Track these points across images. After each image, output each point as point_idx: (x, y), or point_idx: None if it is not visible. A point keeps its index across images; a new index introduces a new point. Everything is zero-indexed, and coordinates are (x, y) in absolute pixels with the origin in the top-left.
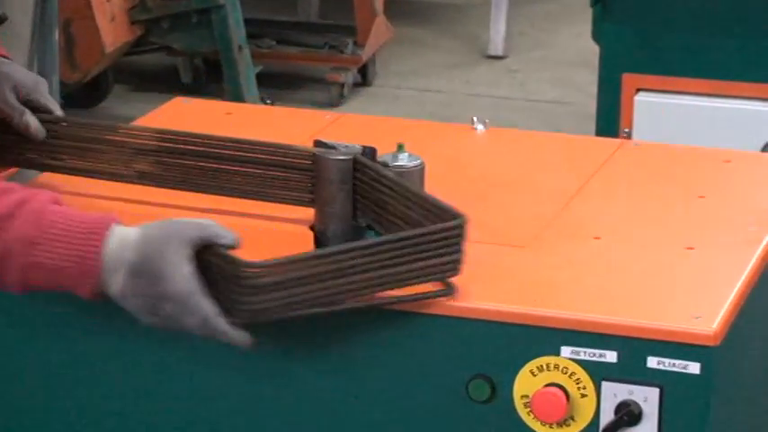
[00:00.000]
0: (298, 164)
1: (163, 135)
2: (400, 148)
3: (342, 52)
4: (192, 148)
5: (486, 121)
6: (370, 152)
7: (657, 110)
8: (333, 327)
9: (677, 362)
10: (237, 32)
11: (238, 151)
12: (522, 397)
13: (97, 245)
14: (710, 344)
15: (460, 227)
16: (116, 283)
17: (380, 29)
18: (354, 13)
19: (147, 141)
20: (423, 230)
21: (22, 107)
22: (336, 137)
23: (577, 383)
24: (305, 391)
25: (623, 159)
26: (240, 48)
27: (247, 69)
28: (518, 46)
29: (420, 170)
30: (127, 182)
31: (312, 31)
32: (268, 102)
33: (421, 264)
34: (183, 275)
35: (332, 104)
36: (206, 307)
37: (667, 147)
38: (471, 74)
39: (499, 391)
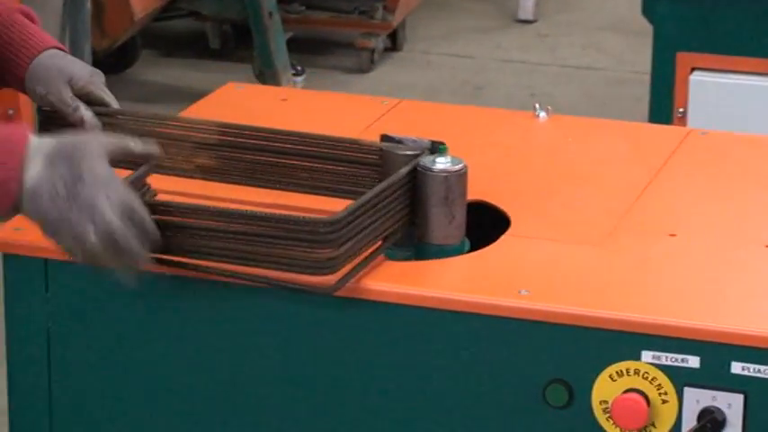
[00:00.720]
0: (364, 158)
1: (225, 129)
2: (441, 150)
3: (372, 17)
4: (255, 142)
5: (549, 108)
6: (438, 147)
7: (713, 90)
8: (404, 326)
9: (763, 367)
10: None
11: (303, 145)
12: (601, 402)
13: (18, 145)
14: None
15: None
16: (33, 171)
17: None
18: None
19: (208, 135)
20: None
21: (76, 102)
22: (396, 125)
23: (658, 389)
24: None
25: (691, 150)
26: (270, 14)
27: (277, 35)
28: (547, 9)
29: (462, 173)
30: (188, 176)
31: None
32: (299, 68)
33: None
34: (104, 165)
35: (362, 70)
36: (129, 191)
37: (736, 136)
38: (501, 38)
39: (577, 396)
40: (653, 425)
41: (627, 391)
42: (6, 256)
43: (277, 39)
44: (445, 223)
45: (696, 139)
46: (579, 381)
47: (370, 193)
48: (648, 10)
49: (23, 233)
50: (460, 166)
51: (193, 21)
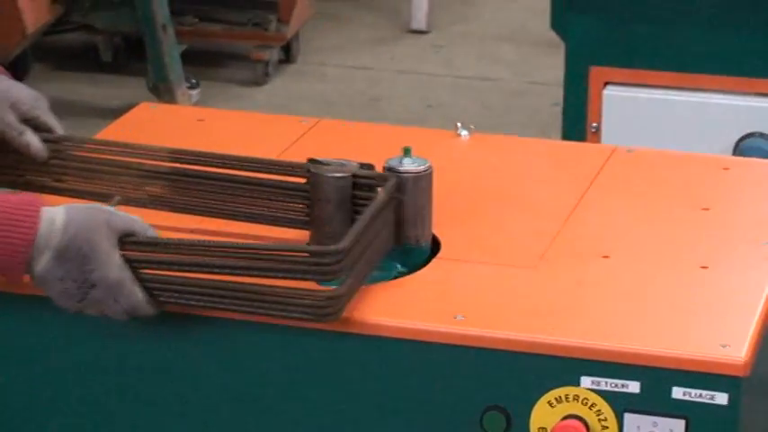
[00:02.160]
0: (293, 183)
1: (176, 155)
2: (407, 152)
3: (266, 29)
4: (204, 169)
5: (472, 126)
6: (367, 168)
7: (627, 104)
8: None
9: (704, 392)
10: (161, 11)
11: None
12: (540, 429)
13: (31, 223)
14: (740, 374)
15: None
16: (39, 265)
17: (303, 5)
18: None
19: (159, 162)
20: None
21: (21, 126)
22: (317, 145)
23: (598, 415)
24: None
25: (618, 167)
26: (164, 27)
27: (171, 48)
28: (440, 20)
29: (429, 175)
30: (138, 206)
31: (235, 8)
32: (193, 81)
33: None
34: (116, 263)
35: (257, 83)
36: (138, 293)
37: (662, 153)
38: (395, 49)
39: (516, 423)
40: None
41: (566, 417)
42: None
43: (171, 52)
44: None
45: (622, 156)
46: (517, 407)
47: (362, 221)
48: (558, 24)
49: None
50: (426, 166)
51: (84, 34)
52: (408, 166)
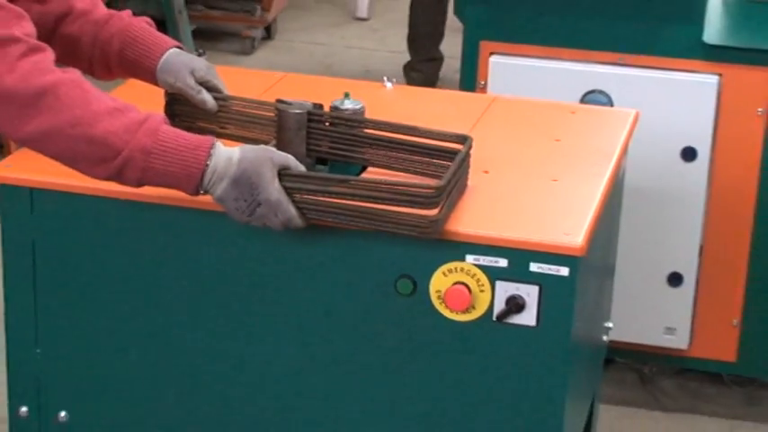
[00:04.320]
0: (267, 117)
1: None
2: (346, 95)
3: (252, 15)
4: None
5: (394, 80)
6: (318, 107)
7: (505, 68)
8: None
9: (552, 267)
10: (178, 0)
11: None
12: (437, 292)
13: (201, 157)
14: (577, 255)
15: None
16: (220, 189)
17: None
18: None
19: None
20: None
21: (198, 86)
22: (285, 92)
23: (478, 282)
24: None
25: (497, 110)
26: (180, 11)
27: (185, 27)
28: (378, 10)
29: (361, 111)
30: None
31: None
32: (200, 51)
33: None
34: (276, 188)
35: (245, 53)
36: (292, 210)
37: (528, 100)
38: (345, 32)
39: (420, 287)
40: (473, 307)
41: (455, 283)
42: (1, 186)
43: (185, 30)
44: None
45: (500, 103)
46: (421, 276)
47: (453, 167)
48: (459, 11)
49: (13, 169)
50: (360, 106)
51: None
52: (347, 105)
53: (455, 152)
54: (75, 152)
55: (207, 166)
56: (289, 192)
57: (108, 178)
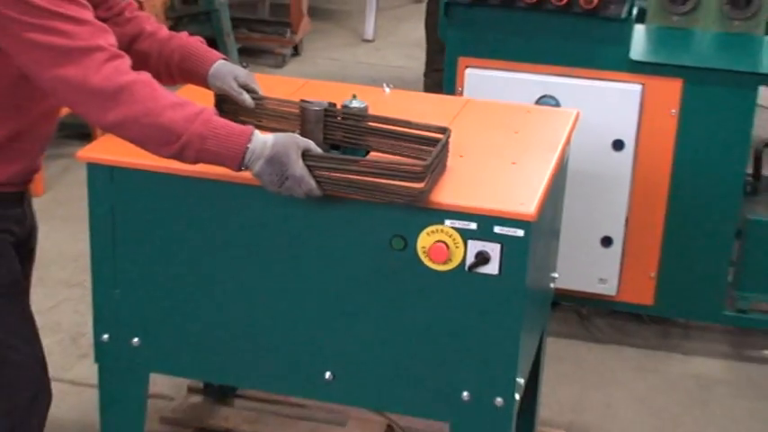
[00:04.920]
0: (293, 113)
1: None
2: (354, 97)
3: (284, 36)
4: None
5: (392, 85)
6: (333, 106)
7: (477, 78)
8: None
9: (510, 229)
10: (226, 25)
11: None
12: (423, 248)
13: (243, 142)
14: (530, 220)
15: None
16: (258, 166)
17: (305, 24)
18: (291, 14)
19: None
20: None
21: (240, 89)
22: (308, 94)
23: (454, 241)
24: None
25: (470, 110)
26: (228, 34)
27: (232, 46)
28: (381, 34)
29: (365, 109)
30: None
31: (267, 24)
32: (244, 65)
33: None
34: (300, 166)
35: (278, 66)
36: (312, 183)
37: (495, 102)
38: (355, 50)
39: (409, 244)
40: (450, 260)
41: (436, 241)
42: (89, 164)
43: (232, 48)
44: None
45: (473, 104)
46: (410, 235)
47: (435, 151)
48: (443, 35)
49: (97, 152)
50: (364, 105)
51: None
52: (355, 104)
53: (437, 140)
54: (146, 136)
55: (248, 148)
56: (310, 169)
57: (170, 157)
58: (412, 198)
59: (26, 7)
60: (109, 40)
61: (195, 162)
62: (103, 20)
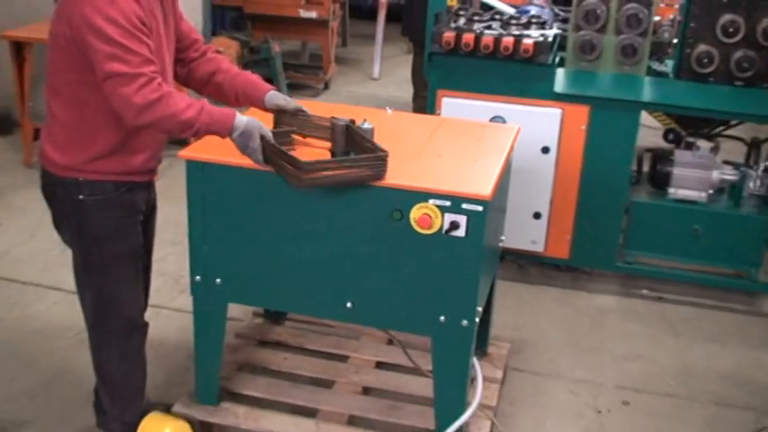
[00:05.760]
0: (326, 125)
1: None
2: (364, 121)
3: (318, 75)
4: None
5: (393, 108)
6: (352, 122)
7: (451, 104)
8: (339, 194)
9: (473, 206)
10: (279, 67)
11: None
12: (414, 218)
13: (230, 121)
14: (487, 199)
15: (382, 157)
16: (236, 134)
17: (333, 68)
18: (323, 61)
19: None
20: (369, 155)
21: (290, 100)
22: (335, 113)
23: (435, 213)
24: (324, 216)
25: (445, 126)
26: (280, 73)
27: (283, 81)
28: (383, 74)
29: (371, 130)
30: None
31: (307, 68)
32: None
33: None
34: (257, 143)
35: (314, 96)
36: (260, 156)
37: (462, 120)
38: (366, 86)
39: (405, 216)
40: (432, 227)
41: (423, 214)
42: (188, 161)
43: (282, 83)
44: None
45: (448, 122)
46: (406, 209)
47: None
48: (426, 74)
49: (193, 152)
50: (371, 126)
51: None
52: (364, 125)
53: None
54: (172, 128)
55: (233, 125)
56: (263, 146)
57: (187, 137)
58: (296, 182)
59: (105, 38)
60: (149, 66)
61: (202, 136)
62: (193, 59)
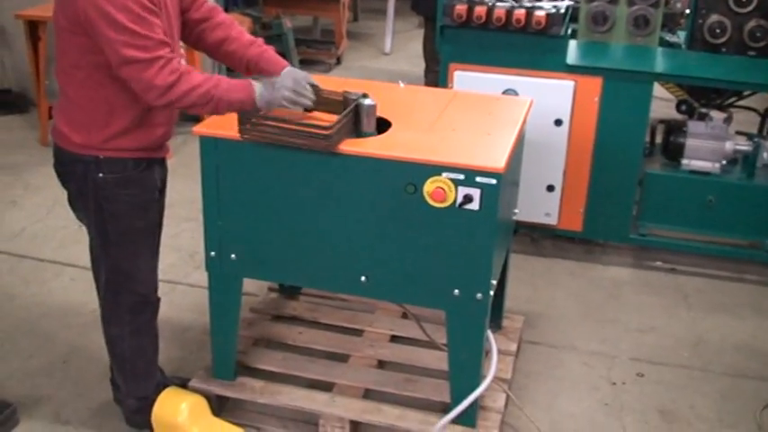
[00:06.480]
0: (338, 100)
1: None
2: (365, 95)
3: (330, 51)
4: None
5: (405, 82)
6: (365, 96)
7: (462, 78)
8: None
9: (487, 179)
10: (292, 43)
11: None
12: (428, 192)
13: (249, 82)
14: (500, 172)
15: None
16: (262, 101)
17: (344, 43)
18: (335, 36)
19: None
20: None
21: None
22: (348, 87)
23: (449, 187)
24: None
25: (459, 99)
26: (293, 49)
27: (295, 58)
28: (395, 49)
29: (374, 106)
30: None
31: (319, 43)
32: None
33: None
34: (274, 105)
35: (326, 71)
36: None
37: (475, 94)
38: (379, 60)
39: (418, 189)
40: (446, 200)
41: (437, 187)
42: (201, 137)
43: (295, 59)
44: (369, 123)
45: (460, 95)
46: (419, 183)
47: (342, 115)
48: (439, 48)
49: (207, 128)
50: (373, 102)
51: None
52: (365, 101)
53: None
54: (191, 103)
55: (253, 88)
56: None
57: (209, 113)
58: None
59: (118, 26)
60: (165, 49)
61: (223, 112)
62: (197, 21)
